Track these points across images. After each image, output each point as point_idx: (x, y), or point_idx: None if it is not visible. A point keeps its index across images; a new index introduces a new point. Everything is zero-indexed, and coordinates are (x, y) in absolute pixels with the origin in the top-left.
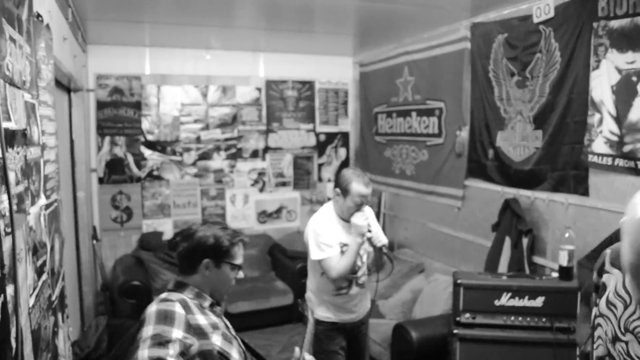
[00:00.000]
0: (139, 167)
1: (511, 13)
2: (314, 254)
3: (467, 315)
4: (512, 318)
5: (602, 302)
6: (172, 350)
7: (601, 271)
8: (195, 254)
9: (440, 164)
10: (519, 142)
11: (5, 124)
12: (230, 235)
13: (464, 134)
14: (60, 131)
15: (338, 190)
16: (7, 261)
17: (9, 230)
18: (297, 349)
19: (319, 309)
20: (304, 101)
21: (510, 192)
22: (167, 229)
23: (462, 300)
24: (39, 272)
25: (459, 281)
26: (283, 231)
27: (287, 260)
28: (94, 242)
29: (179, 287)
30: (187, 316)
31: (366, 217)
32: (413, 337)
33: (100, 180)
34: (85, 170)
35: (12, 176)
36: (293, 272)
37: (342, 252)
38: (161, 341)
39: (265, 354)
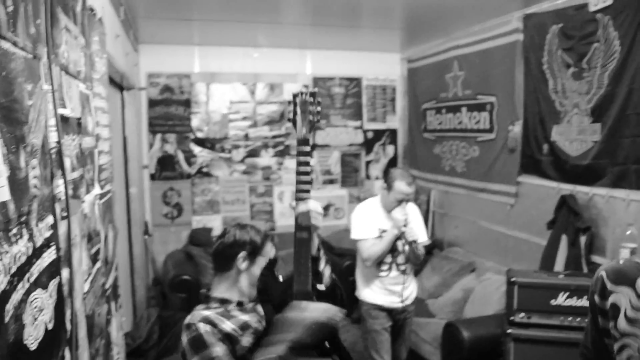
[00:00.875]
0: (189, 163)
1: (566, 2)
2: (353, 233)
3: (522, 314)
4: (570, 318)
5: (621, 321)
6: None
7: (604, 294)
8: (231, 250)
9: (491, 160)
10: (575, 136)
11: (61, 111)
12: (262, 234)
13: (516, 129)
14: (114, 128)
15: (384, 184)
16: (62, 245)
17: (64, 214)
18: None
19: (364, 291)
20: (351, 98)
21: (567, 188)
22: (216, 225)
23: (516, 299)
24: (94, 259)
25: (513, 279)
26: (330, 229)
27: (334, 258)
28: (146, 237)
29: (204, 301)
30: (214, 330)
31: (405, 213)
32: (464, 336)
33: (152, 177)
34: (138, 167)
35: (67, 162)
36: (341, 269)
37: (381, 238)
38: None
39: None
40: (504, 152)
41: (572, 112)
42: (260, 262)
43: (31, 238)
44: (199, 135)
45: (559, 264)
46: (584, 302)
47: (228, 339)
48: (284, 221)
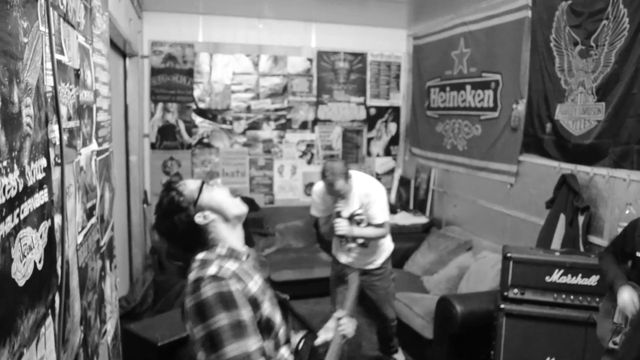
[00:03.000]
0: (190, 134)
1: None
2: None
3: (516, 290)
4: (563, 296)
5: None
6: (254, 337)
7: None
8: (188, 231)
9: (494, 139)
10: (579, 115)
11: (58, 56)
12: (171, 198)
13: (520, 108)
14: (115, 95)
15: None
16: (55, 190)
17: (59, 161)
18: (339, 311)
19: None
20: (355, 73)
21: (568, 167)
22: None
23: (511, 275)
24: (89, 214)
25: (508, 255)
26: None
27: None
28: (145, 205)
29: (208, 247)
30: (244, 290)
31: (344, 222)
32: (457, 310)
33: (152, 146)
34: (138, 135)
35: (63, 110)
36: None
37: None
38: (241, 332)
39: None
40: (506, 131)
41: (577, 90)
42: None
43: (22, 175)
44: (201, 105)
45: (556, 242)
46: (578, 280)
47: (253, 302)
48: (283, 195)
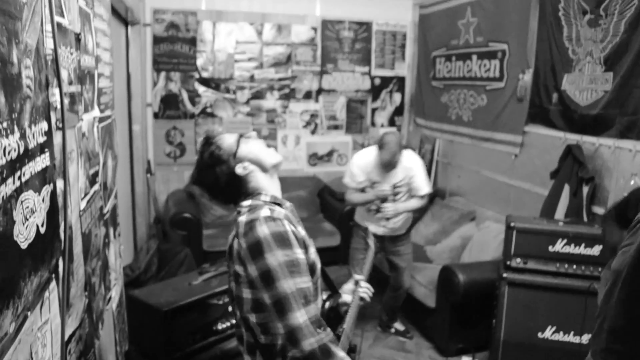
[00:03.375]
0: (193, 103)
1: None
2: (344, 177)
3: (518, 259)
4: (566, 265)
5: None
6: (305, 277)
7: None
8: (229, 181)
9: (499, 109)
10: (586, 85)
11: (58, 19)
12: (213, 149)
13: (527, 78)
14: (117, 64)
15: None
16: (57, 155)
17: (60, 126)
18: (356, 275)
19: (356, 215)
20: (360, 43)
21: (573, 138)
22: None
23: (514, 244)
24: (91, 181)
25: (512, 224)
26: (333, 174)
27: (335, 203)
28: (148, 175)
29: (252, 196)
30: (295, 231)
31: (392, 188)
32: (460, 279)
33: (155, 115)
34: (141, 105)
35: (64, 74)
36: (341, 214)
37: (373, 187)
38: (294, 270)
39: None
40: (512, 101)
41: (584, 60)
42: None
43: (23, 137)
44: (204, 74)
45: (560, 213)
46: (581, 250)
47: (302, 244)
48: (287, 165)
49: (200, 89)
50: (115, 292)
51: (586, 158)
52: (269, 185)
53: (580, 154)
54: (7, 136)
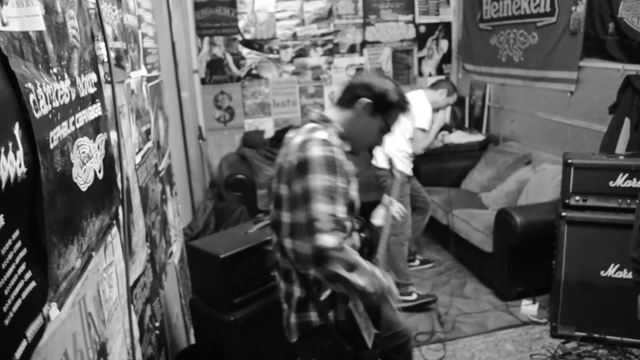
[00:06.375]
0: (238, 66)
1: None
2: (420, 123)
3: (578, 197)
4: (629, 200)
5: None
6: (341, 206)
7: None
8: (361, 91)
9: (552, 46)
10: None
11: None
12: (400, 97)
13: (579, 9)
14: (161, 34)
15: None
16: (108, 107)
17: (108, 79)
18: (386, 196)
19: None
20: None
21: (633, 68)
22: (268, 127)
23: (572, 182)
24: (144, 137)
25: (569, 161)
26: None
27: None
28: (200, 141)
29: (324, 121)
30: (344, 163)
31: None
32: (517, 221)
33: (202, 81)
34: (188, 72)
35: (108, 29)
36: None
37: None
38: (332, 195)
39: None
40: (565, 36)
41: None
42: (378, 121)
43: (74, 85)
44: (247, 36)
45: (620, 148)
46: None
47: (347, 180)
48: None
49: (244, 51)
50: (176, 248)
51: None
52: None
53: None
54: (57, 81)
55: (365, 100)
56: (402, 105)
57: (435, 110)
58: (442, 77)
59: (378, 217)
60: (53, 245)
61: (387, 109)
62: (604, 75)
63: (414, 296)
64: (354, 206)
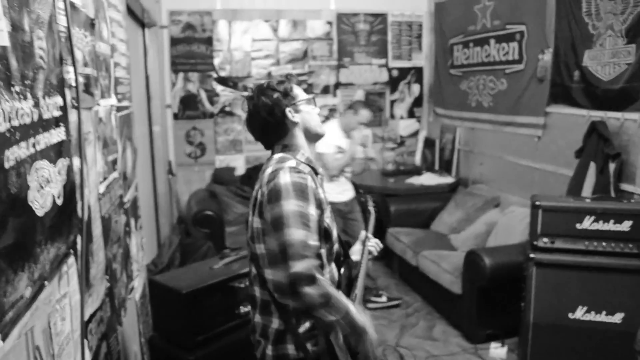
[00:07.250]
0: (212, 103)
1: None
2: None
3: (545, 239)
4: (595, 243)
5: None
6: (314, 233)
7: None
8: (274, 112)
9: (520, 92)
10: (608, 59)
11: None
12: (275, 79)
13: (546, 57)
14: (136, 67)
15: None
16: (73, 133)
17: (75, 104)
18: (363, 232)
19: None
20: (376, 35)
21: (597, 115)
22: (239, 164)
23: (540, 224)
24: (110, 167)
25: (537, 203)
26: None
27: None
28: (170, 176)
29: (289, 150)
30: (316, 190)
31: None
32: (486, 263)
33: (175, 116)
34: (160, 106)
35: (78, 54)
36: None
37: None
38: (305, 222)
39: None
40: (532, 83)
41: (605, 34)
42: (304, 106)
43: (37, 106)
44: (222, 74)
45: (587, 191)
46: (610, 227)
47: (319, 205)
48: None
49: (219, 88)
50: (138, 283)
51: (611, 134)
52: (308, 149)
53: (605, 130)
54: (19, 100)
55: (287, 109)
56: (284, 81)
57: (350, 131)
58: (414, 119)
59: (355, 253)
60: (1, 271)
61: (289, 97)
62: (570, 120)
63: (384, 298)
64: (330, 235)
